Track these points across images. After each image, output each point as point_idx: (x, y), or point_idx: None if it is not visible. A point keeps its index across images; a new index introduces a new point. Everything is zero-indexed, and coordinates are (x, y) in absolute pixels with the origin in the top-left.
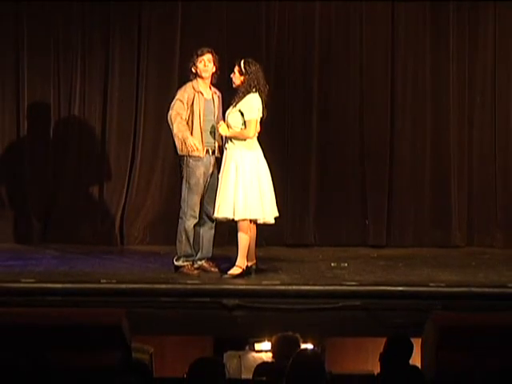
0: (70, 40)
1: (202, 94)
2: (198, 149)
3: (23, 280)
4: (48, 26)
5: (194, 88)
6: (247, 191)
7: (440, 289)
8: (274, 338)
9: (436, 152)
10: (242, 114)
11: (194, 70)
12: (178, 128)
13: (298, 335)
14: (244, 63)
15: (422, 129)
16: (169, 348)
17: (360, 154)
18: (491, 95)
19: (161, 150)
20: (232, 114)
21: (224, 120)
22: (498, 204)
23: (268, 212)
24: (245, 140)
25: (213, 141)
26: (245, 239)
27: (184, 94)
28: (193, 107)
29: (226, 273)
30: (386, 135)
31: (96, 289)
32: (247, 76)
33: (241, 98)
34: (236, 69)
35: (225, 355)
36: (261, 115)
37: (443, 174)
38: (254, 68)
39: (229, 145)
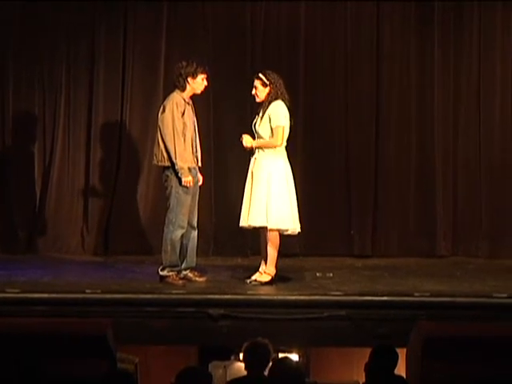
0: (56, 51)
1: (188, 104)
2: (190, 185)
3: (8, 290)
4: (34, 37)
5: (184, 100)
6: (278, 201)
7: (425, 298)
8: (243, 347)
9: (421, 162)
10: (270, 122)
11: (190, 81)
12: (181, 158)
13: (267, 341)
14: (265, 74)
15: (407, 139)
16: (154, 358)
17: (345, 163)
18: (476, 104)
19: (146, 159)
20: (261, 123)
21: (253, 131)
22: (483, 214)
23: (296, 221)
24: (274, 148)
25: (196, 150)
26: (274, 247)
27: (178, 110)
28: (183, 119)
29: (254, 279)
30: (371, 145)
31: (81, 299)
32: (271, 85)
33: (267, 107)
34: (258, 83)
35: (210, 365)
36: (288, 123)
37: (428, 184)
38: (275, 76)
39: (259, 154)
